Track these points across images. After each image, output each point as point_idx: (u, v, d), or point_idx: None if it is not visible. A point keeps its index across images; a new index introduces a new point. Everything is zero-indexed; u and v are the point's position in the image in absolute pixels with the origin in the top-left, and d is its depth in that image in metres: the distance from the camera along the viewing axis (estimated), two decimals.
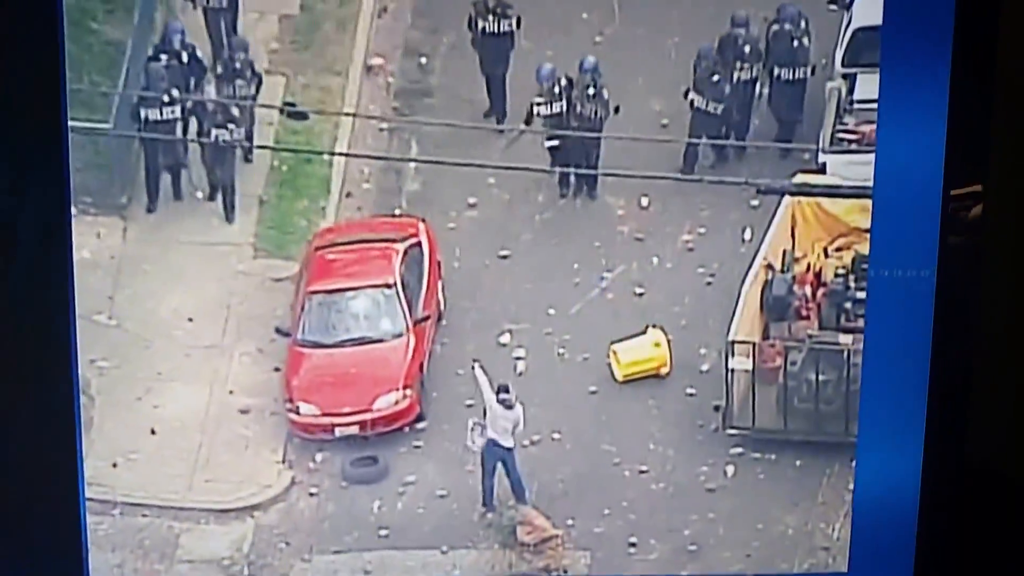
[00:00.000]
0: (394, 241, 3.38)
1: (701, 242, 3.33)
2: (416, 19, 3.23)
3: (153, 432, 3.24)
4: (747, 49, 3.23)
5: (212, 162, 3.18)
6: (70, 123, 2.94)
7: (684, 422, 3.36)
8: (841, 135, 3.29)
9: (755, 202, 3.30)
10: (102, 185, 3.20)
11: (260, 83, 3.14)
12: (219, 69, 3.14)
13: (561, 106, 3.24)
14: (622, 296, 3.36)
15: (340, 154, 3.25)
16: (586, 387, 3.37)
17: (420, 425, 3.38)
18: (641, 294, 3.35)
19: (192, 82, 3.14)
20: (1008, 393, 3.19)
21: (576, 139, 3.26)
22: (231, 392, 3.30)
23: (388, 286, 3.39)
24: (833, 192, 3.31)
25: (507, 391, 3.26)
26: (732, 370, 3.36)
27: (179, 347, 3.26)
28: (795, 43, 3.25)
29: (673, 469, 3.24)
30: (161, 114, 3.11)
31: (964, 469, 3.06)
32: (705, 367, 3.35)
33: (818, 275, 3.39)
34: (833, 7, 3.20)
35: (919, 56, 2.89)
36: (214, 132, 3.16)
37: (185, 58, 3.09)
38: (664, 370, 3.38)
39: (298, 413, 3.33)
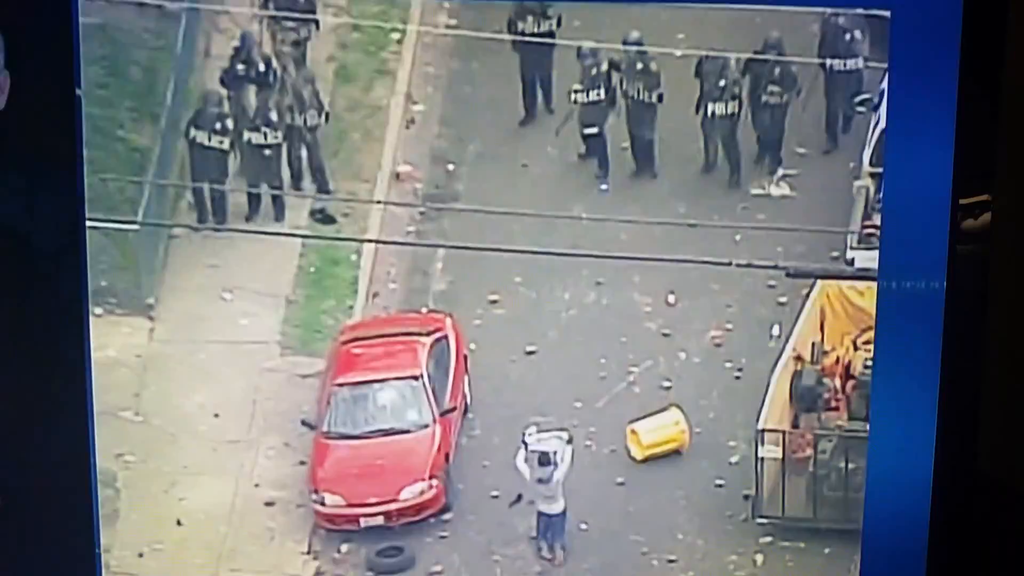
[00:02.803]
0: (420, 335, 3.38)
1: (729, 338, 3.32)
2: (443, 128, 3.25)
3: (179, 523, 3.24)
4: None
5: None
6: (96, 224, 3.00)
7: (713, 512, 3.33)
8: (870, 232, 3.22)
9: (783, 299, 3.29)
10: (128, 286, 3.21)
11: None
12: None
13: (599, 93, 3.22)
14: (649, 390, 3.35)
15: (368, 241, 3.25)
16: (613, 478, 3.35)
17: (446, 515, 3.36)
18: (668, 387, 3.34)
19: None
20: (1021, 405, 3.14)
21: (632, 117, 3.25)
22: (256, 485, 3.29)
23: (415, 378, 3.39)
24: (864, 275, 3.24)
25: (547, 463, 3.26)
26: (762, 459, 3.34)
27: (205, 442, 3.27)
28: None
29: (702, 558, 3.22)
30: (209, 139, 3.12)
31: (976, 482, 3.04)
32: (734, 459, 3.33)
33: (847, 367, 3.35)
34: (861, 109, 3.18)
35: (927, 66, 2.90)
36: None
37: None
38: (684, 447, 3.36)
39: (323, 504, 3.32)
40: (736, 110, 3.24)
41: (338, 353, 3.33)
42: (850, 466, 3.33)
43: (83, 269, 2.99)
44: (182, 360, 3.25)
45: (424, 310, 3.34)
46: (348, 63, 3.18)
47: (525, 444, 3.25)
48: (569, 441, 3.28)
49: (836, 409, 3.38)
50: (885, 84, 3.09)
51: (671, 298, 3.32)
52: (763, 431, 3.33)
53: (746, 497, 3.32)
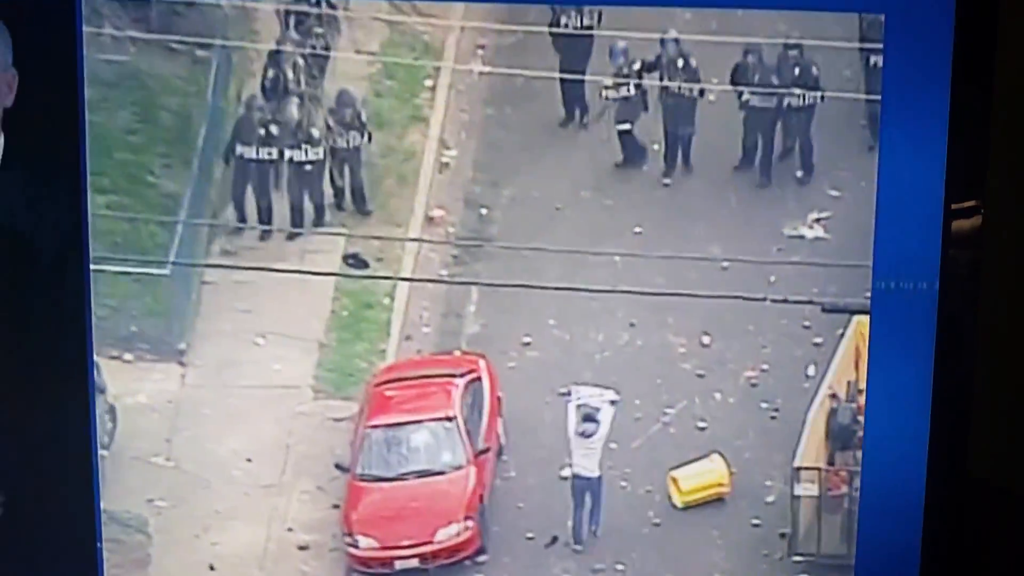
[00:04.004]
0: (454, 376, 3.36)
1: (764, 378, 3.29)
2: (477, 173, 3.23)
3: (212, 568, 3.24)
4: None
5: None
6: (127, 269, 3.04)
7: (749, 551, 3.31)
8: None
9: (818, 339, 3.26)
10: (160, 331, 3.20)
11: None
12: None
13: (628, 89, 3.19)
14: (684, 430, 3.33)
15: (402, 279, 3.26)
16: (649, 519, 3.33)
17: (481, 557, 3.34)
18: (704, 428, 3.32)
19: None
20: (1014, 407, 3.18)
21: (672, 112, 3.23)
22: (290, 529, 3.28)
23: (449, 419, 3.38)
24: None
25: (592, 420, 3.25)
26: (798, 496, 3.32)
27: (238, 486, 3.26)
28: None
29: None
30: (257, 153, 3.13)
31: (968, 483, 3.06)
32: (770, 498, 3.31)
33: None
34: None
35: (920, 68, 2.93)
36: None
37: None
38: (725, 492, 3.34)
39: (357, 547, 3.31)
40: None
41: (371, 395, 3.31)
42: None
43: (86, 275, 3.02)
44: (214, 405, 3.24)
45: (457, 352, 3.30)
46: (382, 109, 3.15)
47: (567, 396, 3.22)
48: (613, 403, 3.27)
49: None
50: None
51: (706, 339, 3.29)
52: (799, 469, 3.32)
53: (782, 535, 3.30)
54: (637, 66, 3.21)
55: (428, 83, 3.17)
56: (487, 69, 3.18)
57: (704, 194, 3.24)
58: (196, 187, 3.14)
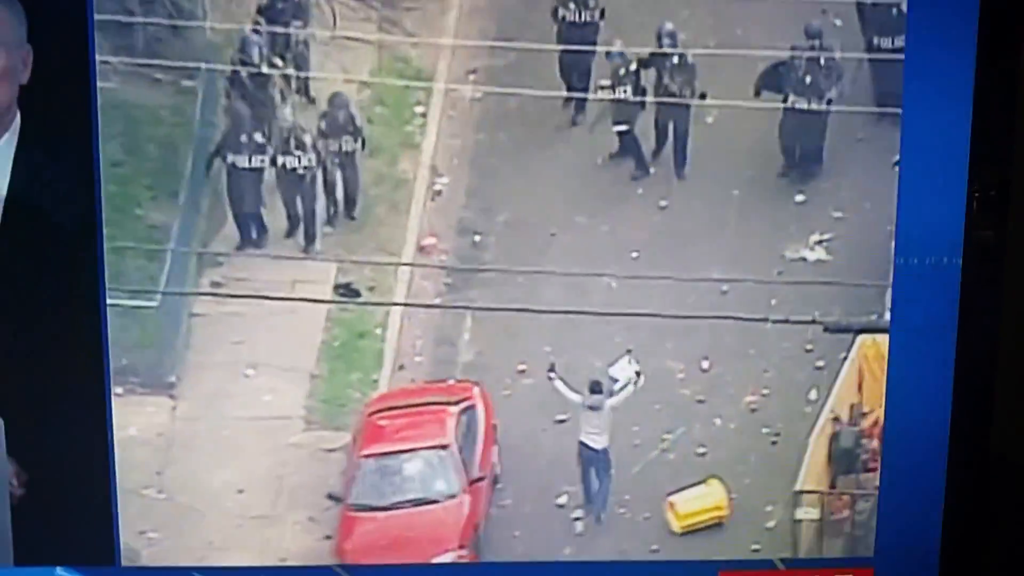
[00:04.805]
0: (448, 404, 3.31)
1: (765, 403, 3.26)
2: (470, 200, 3.18)
3: None
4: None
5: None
6: (115, 302, 3.03)
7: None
8: None
9: (820, 363, 3.23)
10: (150, 364, 3.16)
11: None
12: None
13: (626, 89, 3.14)
14: (684, 456, 3.30)
15: (395, 304, 3.22)
16: (648, 545, 3.31)
17: None
18: (703, 454, 3.29)
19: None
20: None
21: (664, 113, 3.19)
22: (283, 560, 3.25)
23: (443, 447, 3.34)
24: None
25: (599, 391, 3.22)
26: (799, 521, 3.30)
27: (230, 518, 3.23)
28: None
29: None
30: (250, 161, 3.07)
31: (990, 460, 3.07)
32: (771, 524, 3.29)
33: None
34: (899, 168, 3.11)
35: (944, 45, 2.93)
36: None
37: None
38: (724, 517, 3.32)
39: None
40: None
41: (364, 425, 3.26)
42: None
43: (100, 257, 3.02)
44: (206, 437, 3.20)
45: (451, 381, 3.25)
46: (372, 136, 3.10)
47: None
48: (638, 374, 3.24)
49: (874, 470, 3.31)
50: None
51: (705, 364, 3.25)
52: (800, 493, 3.30)
53: (782, 560, 3.27)
54: (634, 66, 3.15)
55: (419, 109, 3.08)
56: (479, 94, 3.08)
57: (702, 217, 3.21)
58: (184, 218, 3.09)
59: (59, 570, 3.15)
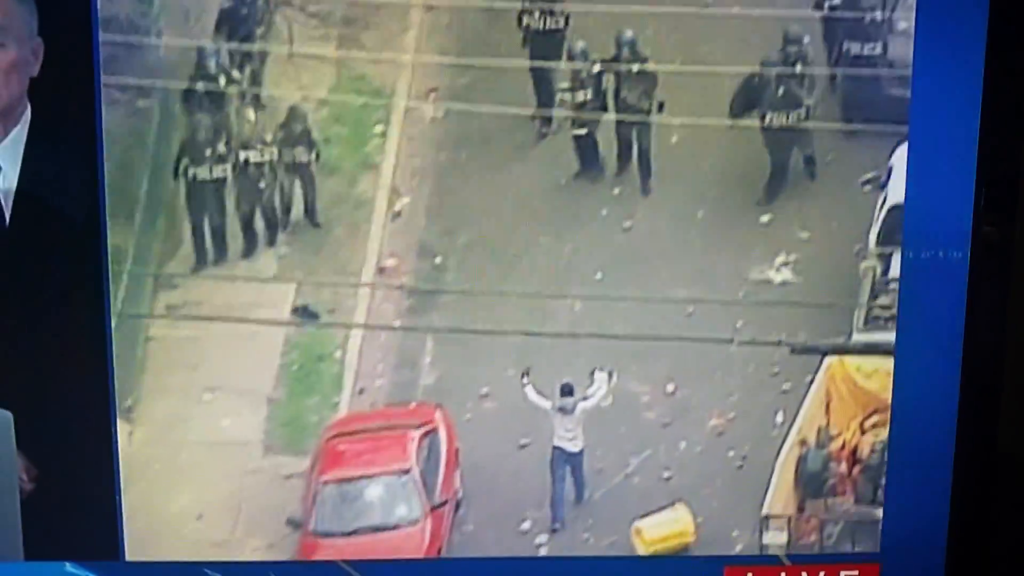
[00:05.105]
0: (409, 427, 3.27)
1: (731, 426, 3.23)
2: (431, 221, 3.13)
3: None
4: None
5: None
6: None
7: None
8: (877, 314, 3.16)
9: (787, 385, 3.20)
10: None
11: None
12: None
13: (587, 94, 3.09)
14: (649, 480, 3.27)
15: (355, 326, 3.18)
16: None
17: None
18: (668, 478, 3.25)
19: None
20: None
21: (622, 124, 3.13)
22: None
23: (404, 472, 3.29)
24: (870, 350, 3.22)
25: (570, 393, 3.18)
26: (766, 545, 3.29)
27: (188, 544, 3.19)
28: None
29: None
30: (211, 173, 3.03)
31: (997, 457, 3.07)
32: (738, 548, 3.27)
33: (854, 451, 3.28)
34: (867, 187, 3.10)
35: (954, 35, 2.92)
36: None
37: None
38: (690, 542, 3.29)
39: None
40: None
41: (323, 449, 3.21)
42: (856, 549, 3.29)
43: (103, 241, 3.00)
44: (163, 462, 3.16)
45: (413, 404, 3.21)
46: (330, 157, 3.06)
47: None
48: (610, 376, 3.20)
49: (843, 493, 3.31)
50: (894, 160, 3.07)
51: (670, 387, 3.22)
52: (768, 517, 3.28)
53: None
54: (597, 68, 3.10)
55: (378, 128, 3.04)
56: (440, 113, 3.04)
57: (666, 238, 3.17)
58: (139, 239, 3.05)
59: (68, 566, 3.12)
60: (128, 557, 3.18)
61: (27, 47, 2.89)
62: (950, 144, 2.99)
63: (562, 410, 3.18)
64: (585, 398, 3.20)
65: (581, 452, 3.23)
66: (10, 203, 2.96)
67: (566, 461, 3.24)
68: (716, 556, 3.25)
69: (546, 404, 3.19)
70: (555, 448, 3.23)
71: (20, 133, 2.94)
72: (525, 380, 3.16)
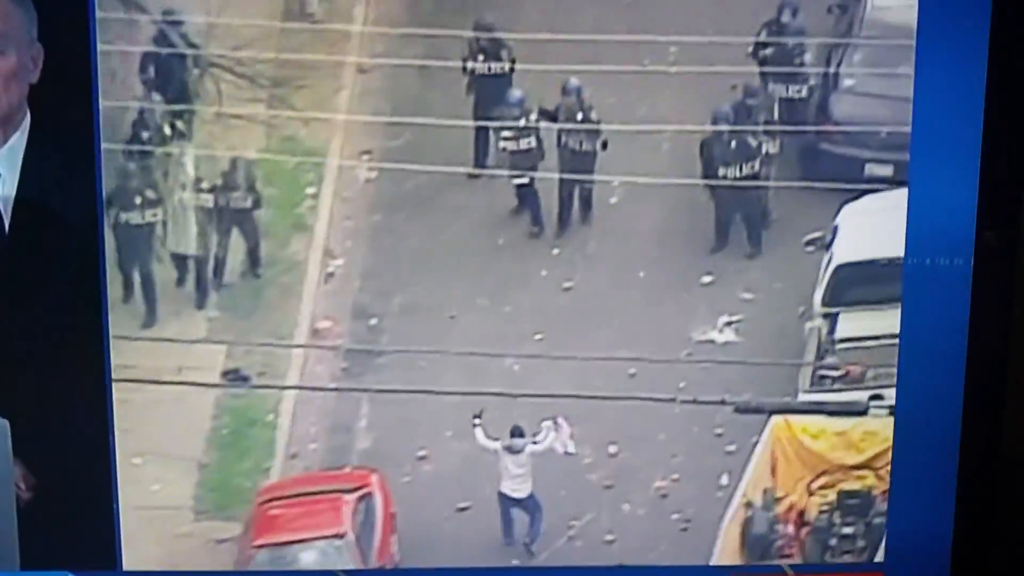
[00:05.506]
0: (344, 491, 3.21)
1: (675, 488, 3.20)
2: (365, 282, 3.08)
3: None
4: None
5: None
6: None
7: None
8: (824, 374, 3.15)
9: (731, 447, 3.17)
10: None
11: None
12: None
13: (530, 142, 3.07)
14: (591, 544, 3.23)
15: (289, 387, 3.08)
16: None
17: None
18: (611, 541, 3.21)
19: None
20: None
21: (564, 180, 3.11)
22: None
23: (339, 536, 3.22)
24: (814, 410, 3.22)
25: (520, 435, 3.15)
26: None
27: None
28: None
29: None
30: (142, 217, 3.00)
31: (1001, 462, 3.07)
32: None
33: (801, 513, 3.26)
34: (810, 248, 3.08)
35: (956, 41, 2.92)
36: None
37: None
38: None
39: None
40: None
41: (255, 514, 3.15)
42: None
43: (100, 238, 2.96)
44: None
45: (348, 468, 3.15)
46: (262, 219, 3.01)
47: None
48: (555, 425, 3.16)
49: (790, 556, 3.27)
50: (839, 219, 3.05)
51: (612, 448, 3.18)
52: None
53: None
54: (534, 116, 3.07)
55: (311, 190, 2.98)
56: (374, 174, 2.99)
57: (607, 298, 3.13)
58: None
59: None
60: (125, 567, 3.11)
61: (27, 54, 2.87)
62: (952, 151, 2.98)
63: (509, 449, 3.14)
64: (535, 443, 3.13)
65: (531, 495, 3.19)
66: (9, 209, 2.93)
67: (512, 506, 3.19)
68: (723, 566, 3.20)
69: (495, 445, 3.14)
70: (500, 494, 3.18)
71: (20, 140, 2.91)
72: (477, 421, 3.11)
